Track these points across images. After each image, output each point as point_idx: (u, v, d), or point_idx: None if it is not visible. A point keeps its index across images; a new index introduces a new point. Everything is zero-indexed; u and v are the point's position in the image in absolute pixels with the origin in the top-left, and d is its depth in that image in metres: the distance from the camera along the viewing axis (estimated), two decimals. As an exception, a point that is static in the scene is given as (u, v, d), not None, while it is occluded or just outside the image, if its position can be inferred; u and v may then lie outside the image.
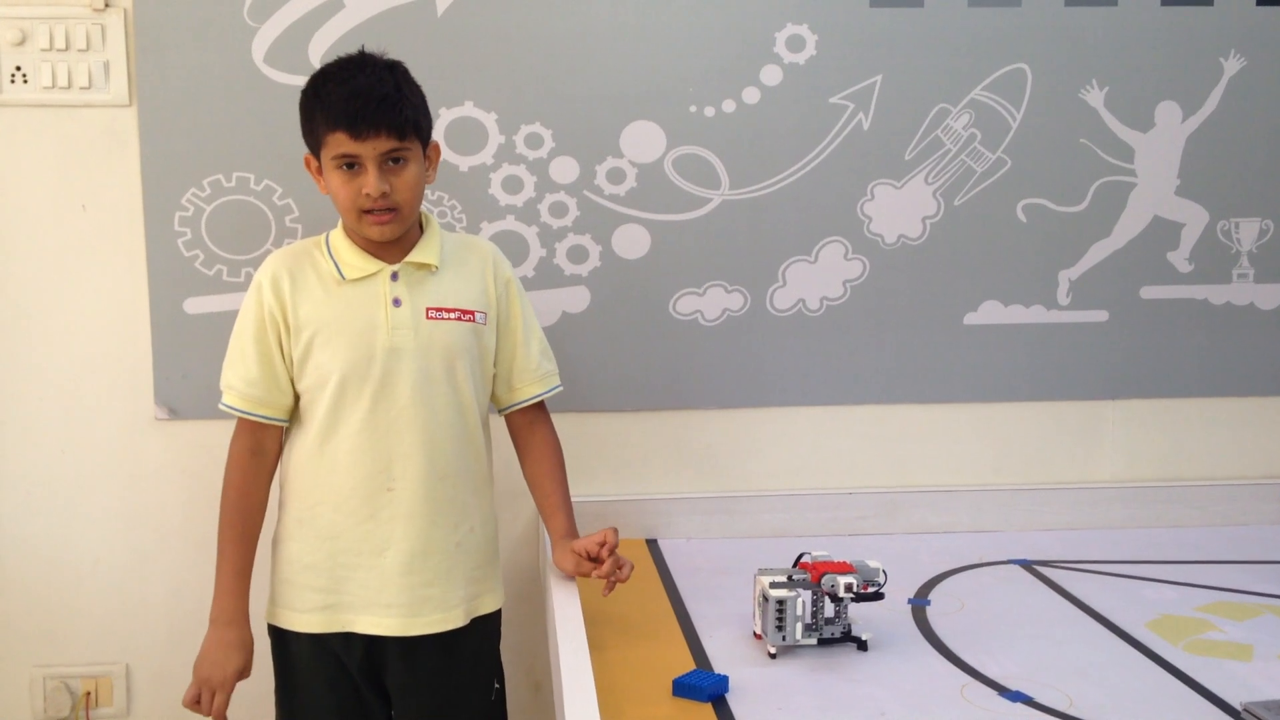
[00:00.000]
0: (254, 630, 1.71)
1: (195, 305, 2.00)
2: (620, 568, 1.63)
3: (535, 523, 2.09)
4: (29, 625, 2.07)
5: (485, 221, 2.03)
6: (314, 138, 1.63)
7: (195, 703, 1.67)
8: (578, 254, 2.06)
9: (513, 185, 2.03)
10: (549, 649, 1.82)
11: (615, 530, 1.66)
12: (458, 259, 1.71)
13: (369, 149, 1.57)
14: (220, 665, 1.66)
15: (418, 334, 1.64)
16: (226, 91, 1.96)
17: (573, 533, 1.74)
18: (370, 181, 1.58)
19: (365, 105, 1.56)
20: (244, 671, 1.68)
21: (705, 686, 1.41)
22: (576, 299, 2.07)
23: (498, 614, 1.77)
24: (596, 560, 1.64)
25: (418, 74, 1.68)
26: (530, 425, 1.79)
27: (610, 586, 1.64)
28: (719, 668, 1.51)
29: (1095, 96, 2.10)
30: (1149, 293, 2.16)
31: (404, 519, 1.65)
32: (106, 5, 1.93)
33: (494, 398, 1.77)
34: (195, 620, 1.91)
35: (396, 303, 1.65)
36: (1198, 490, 2.17)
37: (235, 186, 1.99)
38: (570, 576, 1.68)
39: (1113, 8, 2.07)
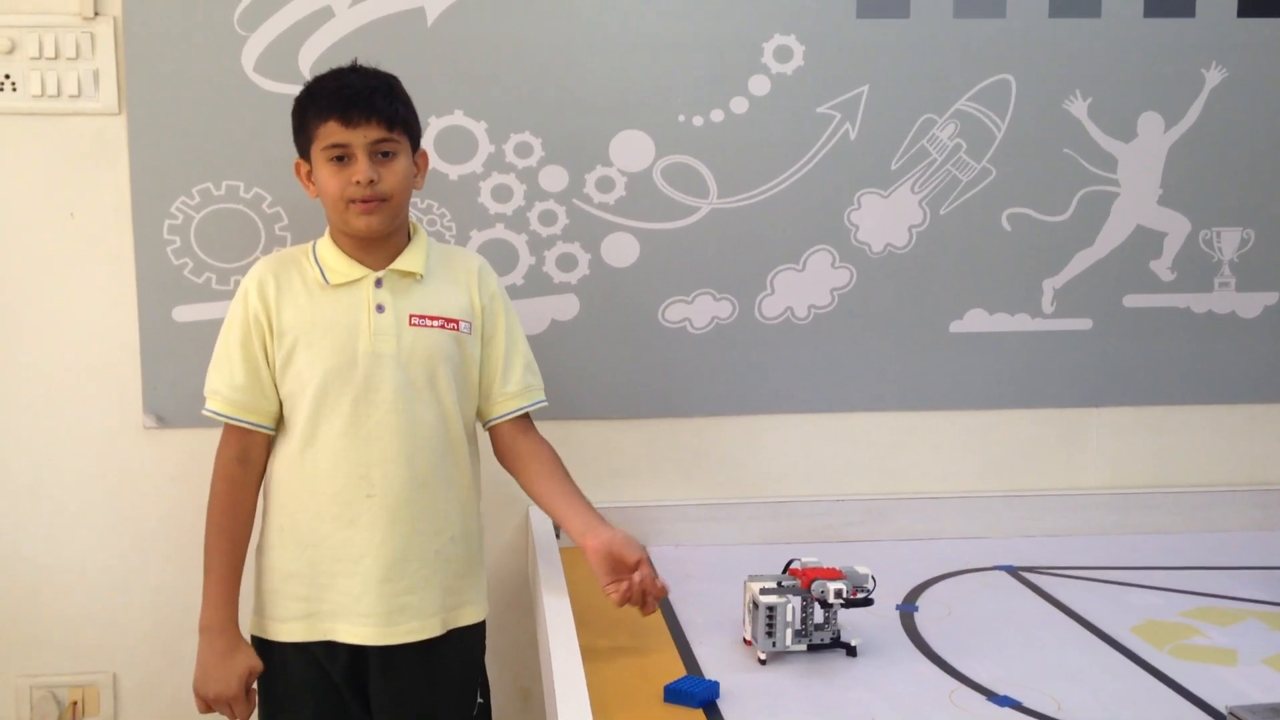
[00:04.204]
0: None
1: (184, 313, 2.00)
2: (645, 600, 1.59)
3: (524, 530, 2.10)
4: (15, 634, 2.06)
5: (475, 230, 2.04)
6: (305, 134, 1.65)
7: None
8: (567, 262, 2.07)
9: (502, 194, 2.04)
10: (538, 656, 1.82)
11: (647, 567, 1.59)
12: (444, 268, 1.72)
13: (359, 137, 1.60)
14: (224, 679, 1.65)
15: (400, 340, 1.65)
16: (216, 100, 1.96)
17: (602, 522, 1.65)
18: (360, 169, 1.60)
19: (357, 95, 1.61)
20: (252, 672, 1.67)
21: (696, 692, 1.42)
22: (565, 307, 2.08)
23: (480, 627, 1.76)
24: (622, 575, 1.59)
25: (408, 83, 1.70)
26: (519, 436, 1.76)
27: (639, 602, 1.60)
28: (709, 674, 1.52)
29: (1079, 107, 2.12)
30: (1132, 301, 2.19)
31: (384, 526, 1.64)
32: (96, 14, 1.93)
33: (477, 410, 1.77)
34: (182, 629, 1.92)
35: (380, 309, 1.65)
36: (1181, 496, 2.19)
37: (224, 194, 1.99)
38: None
39: (1096, 19, 2.10)
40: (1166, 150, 2.15)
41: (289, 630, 1.68)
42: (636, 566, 1.59)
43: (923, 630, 1.69)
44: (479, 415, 1.77)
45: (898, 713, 1.42)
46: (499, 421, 1.75)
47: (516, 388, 1.74)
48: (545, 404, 1.78)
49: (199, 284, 2.00)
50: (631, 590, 1.58)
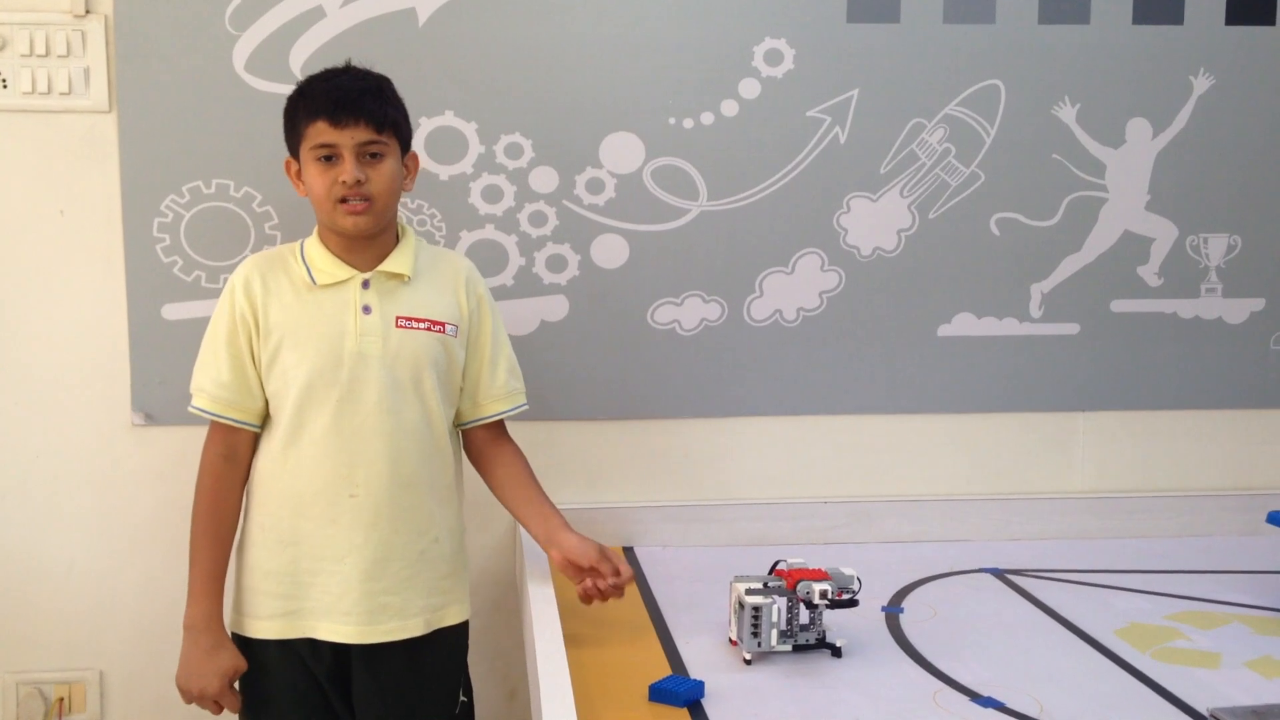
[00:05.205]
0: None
1: (173, 311, 2.00)
2: (605, 594, 1.66)
3: (510, 530, 2.10)
4: (2, 630, 2.05)
5: (465, 230, 2.04)
6: (295, 133, 1.65)
7: None
8: (557, 263, 2.07)
9: (492, 194, 2.05)
10: (524, 656, 1.82)
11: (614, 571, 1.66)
12: (432, 271, 1.72)
13: (347, 138, 1.60)
14: (206, 676, 1.65)
15: (386, 342, 1.65)
16: (207, 98, 1.96)
17: (565, 528, 1.71)
18: (347, 170, 1.60)
19: (346, 96, 1.61)
20: (235, 670, 1.67)
21: (681, 692, 1.42)
22: (555, 308, 2.08)
23: (464, 626, 1.76)
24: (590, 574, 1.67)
25: (399, 83, 1.70)
26: (492, 441, 1.78)
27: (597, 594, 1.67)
28: (695, 673, 1.52)
29: (1067, 113, 2.13)
30: (1119, 306, 2.20)
31: (366, 525, 1.65)
32: (87, 11, 1.93)
33: (456, 412, 1.77)
34: (169, 626, 1.91)
35: (366, 310, 1.65)
36: (1166, 501, 2.20)
37: (214, 193, 1.99)
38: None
39: (1085, 26, 2.11)
40: (1154, 156, 2.16)
41: (267, 628, 1.68)
42: (592, 568, 1.66)
43: (907, 631, 1.69)
44: (457, 416, 1.77)
45: (882, 713, 1.42)
46: (475, 425, 1.76)
47: (501, 391, 1.76)
48: (526, 407, 1.79)
49: (188, 282, 2.00)
50: (589, 591, 1.67)
